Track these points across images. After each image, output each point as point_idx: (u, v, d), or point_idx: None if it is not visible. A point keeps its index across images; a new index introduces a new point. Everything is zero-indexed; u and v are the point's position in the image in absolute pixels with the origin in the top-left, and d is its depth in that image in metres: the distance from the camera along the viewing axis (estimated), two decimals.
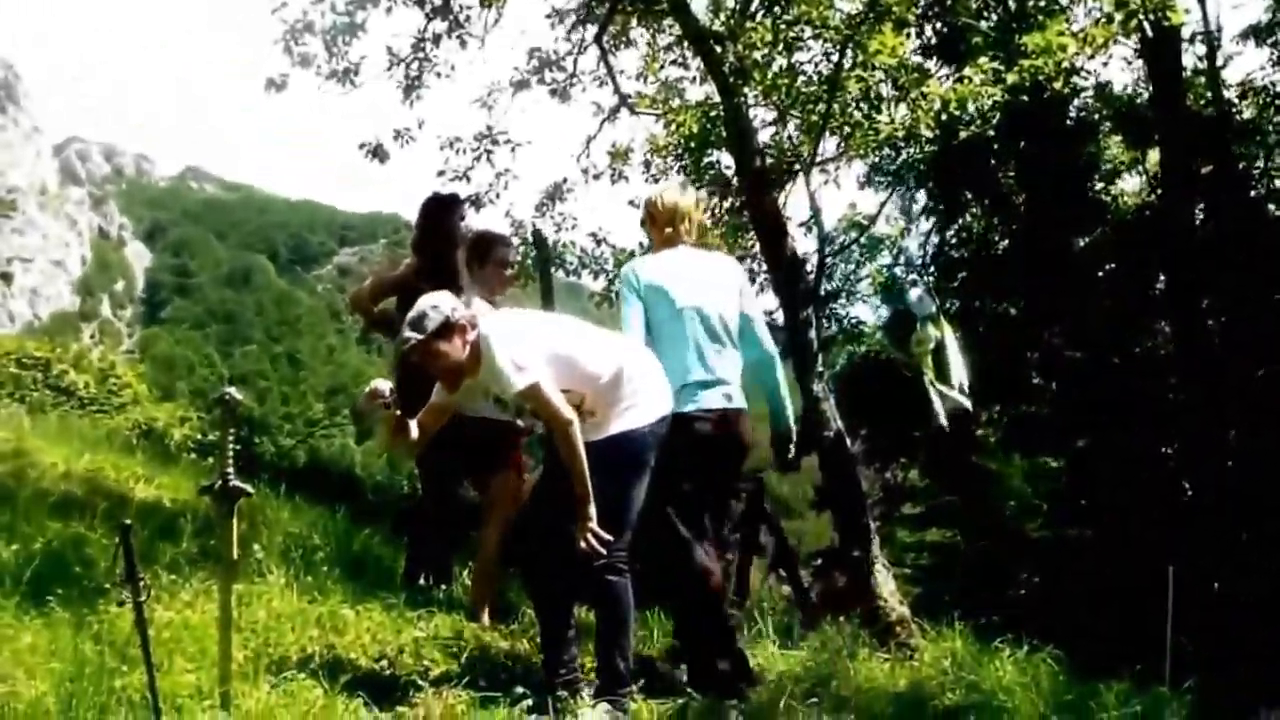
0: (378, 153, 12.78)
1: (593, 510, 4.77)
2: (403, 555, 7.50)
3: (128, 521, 4.08)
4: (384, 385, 4.96)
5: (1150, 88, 15.90)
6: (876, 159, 14.82)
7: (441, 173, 13.30)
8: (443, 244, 7.11)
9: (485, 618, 6.45)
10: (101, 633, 4.78)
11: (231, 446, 4.42)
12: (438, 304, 4.93)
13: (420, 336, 4.84)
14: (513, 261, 7.43)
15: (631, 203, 13.95)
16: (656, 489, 5.15)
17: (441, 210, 7.29)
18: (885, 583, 7.25)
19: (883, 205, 17.84)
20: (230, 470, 4.38)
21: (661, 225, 5.90)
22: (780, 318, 9.67)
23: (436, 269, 6.84)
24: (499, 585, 6.97)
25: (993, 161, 16.52)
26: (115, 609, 4.96)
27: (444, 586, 7.11)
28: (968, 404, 7.68)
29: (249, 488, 4.47)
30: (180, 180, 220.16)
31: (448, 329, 4.89)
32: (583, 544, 4.75)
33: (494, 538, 6.64)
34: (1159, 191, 16.06)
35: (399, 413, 4.96)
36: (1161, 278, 15.79)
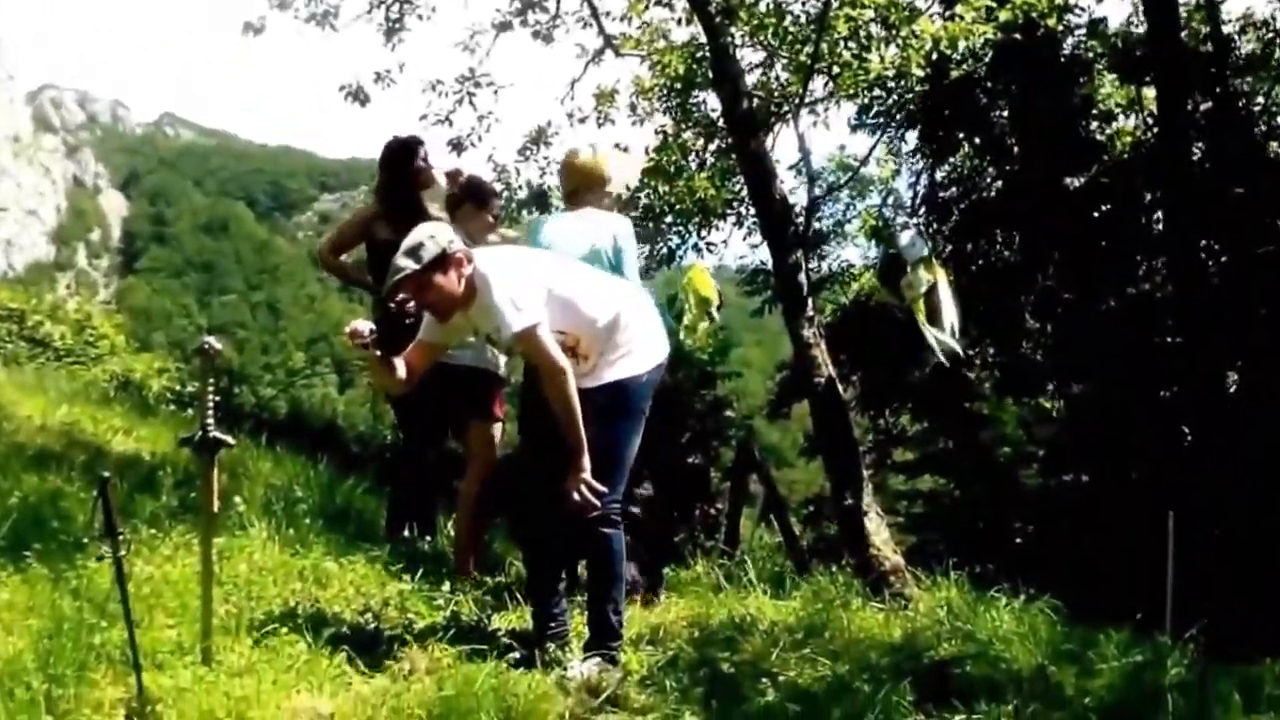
0: (358, 95, 12.75)
1: (586, 461, 4.71)
2: (386, 507, 7.48)
3: (106, 474, 4.06)
4: (364, 325, 4.78)
5: (1146, 23, 15.78)
6: (866, 100, 14.45)
7: (424, 116, 13.39)
8: (403, 187, 7.09)
9: (471, 569, 6.47)
10: (80, 588, 4.76)
11: (211, 397, 4.41)
12: (435, 234, 4.83)
13: (415, 266, 4.70)
14: (499, 216, 7.41)
15: (618, 145, 13.59)
16: None
17: (403, 153, 7.24)
18: (878, 531, 7.31)
19: (873, 147, 17.97)
20: (210, 421, 4.36)
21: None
22: (769, 261, 9.67)
23: (398, 212, 6.81)
24: (483, 535, 7.01)
25: (984, 101, 16.46)
26: (94, 564, 4.95)
27: (428, 538, 7.13)
28: (959, 348, 7.68)
29: (230, 439, 4.44)
30: (156, 127, 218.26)
31: (444, 261, 4.75)
32: (575, 496, 4.70)
33: (474, 488, 6.68)
34: (1155, 130, 15.98)
35: (380, 353, 4.80)
36: (1159, 218, 15.74)
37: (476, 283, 4.80)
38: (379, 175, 7.31)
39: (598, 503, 4.76)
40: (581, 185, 6.18)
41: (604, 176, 6.24)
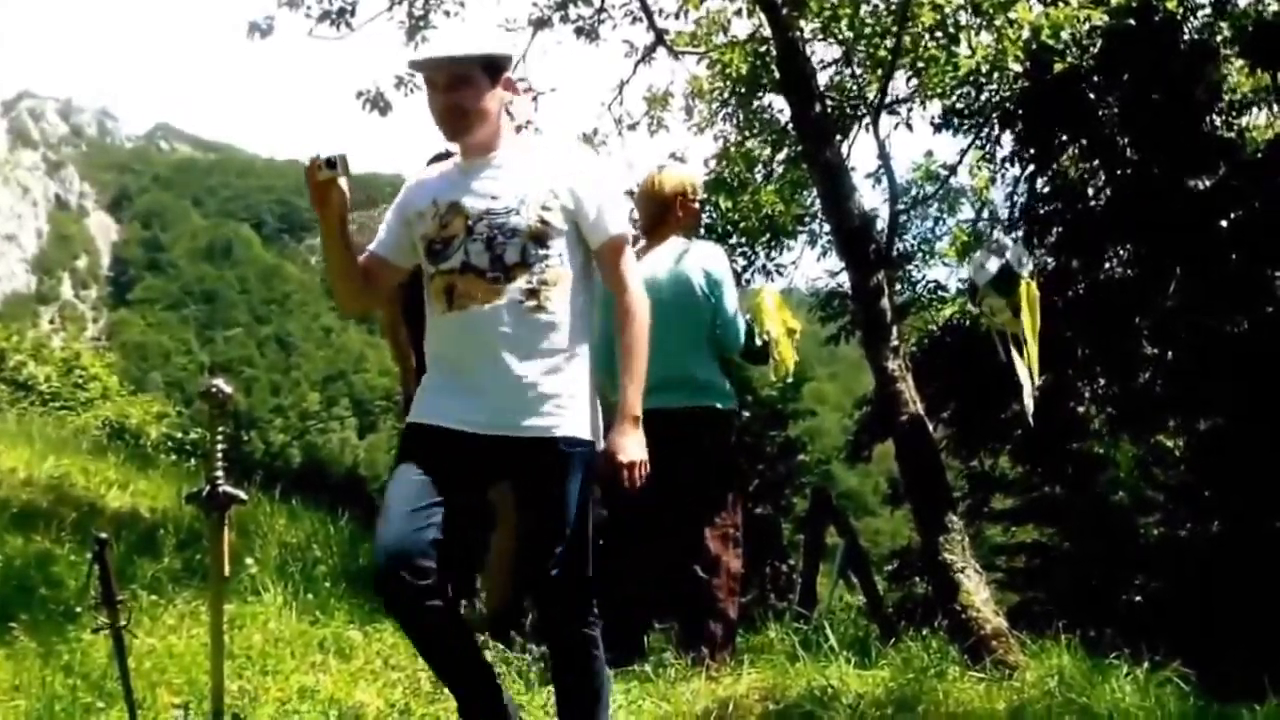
0: (378, 103, 12.81)
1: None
2: None
3: (102, 534, 4.10)
4: (328, 153, 4.06)
5: None
6: (955, 99, 14.51)
7: None
8: None
9: (512, 635, 6.47)
10: (74, 663, 4.81)
11: (220, 446, 4.39)
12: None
13: (469, 56, 4.12)
14: None
15: (674, 155, 13.94)
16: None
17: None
18: (976, 589, 7.20)
19: (964, 153, 17.48)
20: (219, 473, 4.35)
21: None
22: (846, 284, 9.61)
23: None
24: (523, 598, 6.80)
25: (1092, 97, 16.34)
26: (89, 636, 4.98)
27: (464, 602, 6.96)
28: (1030, 406, 7.50)
29: (242, 494, 4.43)
30: (148, 140, 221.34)
31: (500, 68, 4.20)
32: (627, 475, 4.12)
33: (509, 543, 6.42)
34: None
35: (345, 186, 4.08)
36: None
37: (571, 154, 4.35)
38: None
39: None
40: (664, 211, 6.38)
41: (690, 198, 6.47)
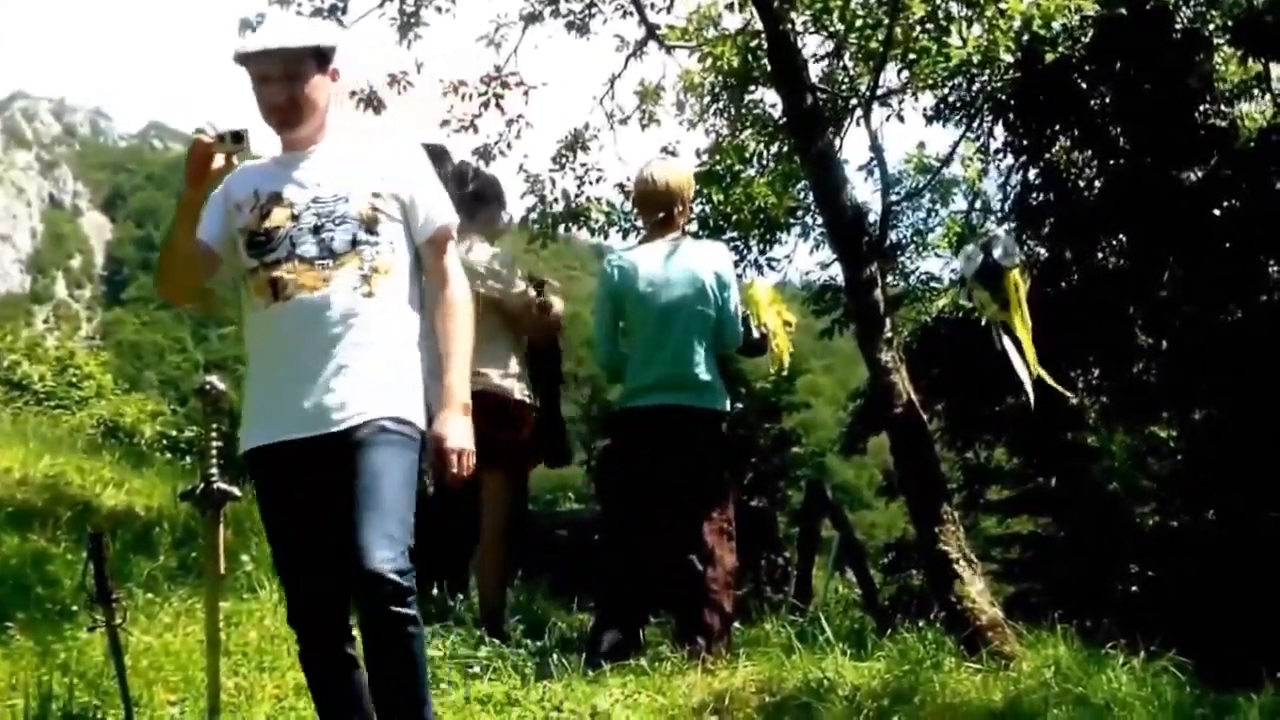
0: (371, 101, 12.74)
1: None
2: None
3: (98, 532, 4.09)
4: (233, 126, 3.86)
5: None
6: (947, 90, 14.54)
7: (446, 122, 13.35)
8: None
9: (507, 629, 6.54)
10: (70, 662, 4.80)
11: (214, 444, 4.42)
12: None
13: (303, 47, 4.04)
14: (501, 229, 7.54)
15: (666, 149, 13.97)
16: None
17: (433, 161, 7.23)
18: (971, 580, 7.13)
19: (955, 145, 17.18)
20: (214, 471, 4.38)
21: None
22: (839, 277, 9.57)
23: None
24: (505, 589, 7.05)
25: (1084, 87, 16.19)
26: (85, 634, 4.97)
27: (460, 597, 7.12)
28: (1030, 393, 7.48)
29: (236, 491, 4.44)
30: (142, 139, 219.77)
31: (328, 57, 4.11)
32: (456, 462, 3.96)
33: (494, 552, 6.74)
34: None
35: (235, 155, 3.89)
36: None
37: (397, 145, 4.31)
38: None
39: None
40: (670, 207, 6.43)
41: (690, 195, 6.58)
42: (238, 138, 3.80)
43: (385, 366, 3.96)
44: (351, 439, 3.86)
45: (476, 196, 7.14)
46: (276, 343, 3.99)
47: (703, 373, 6.21)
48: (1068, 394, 8.29)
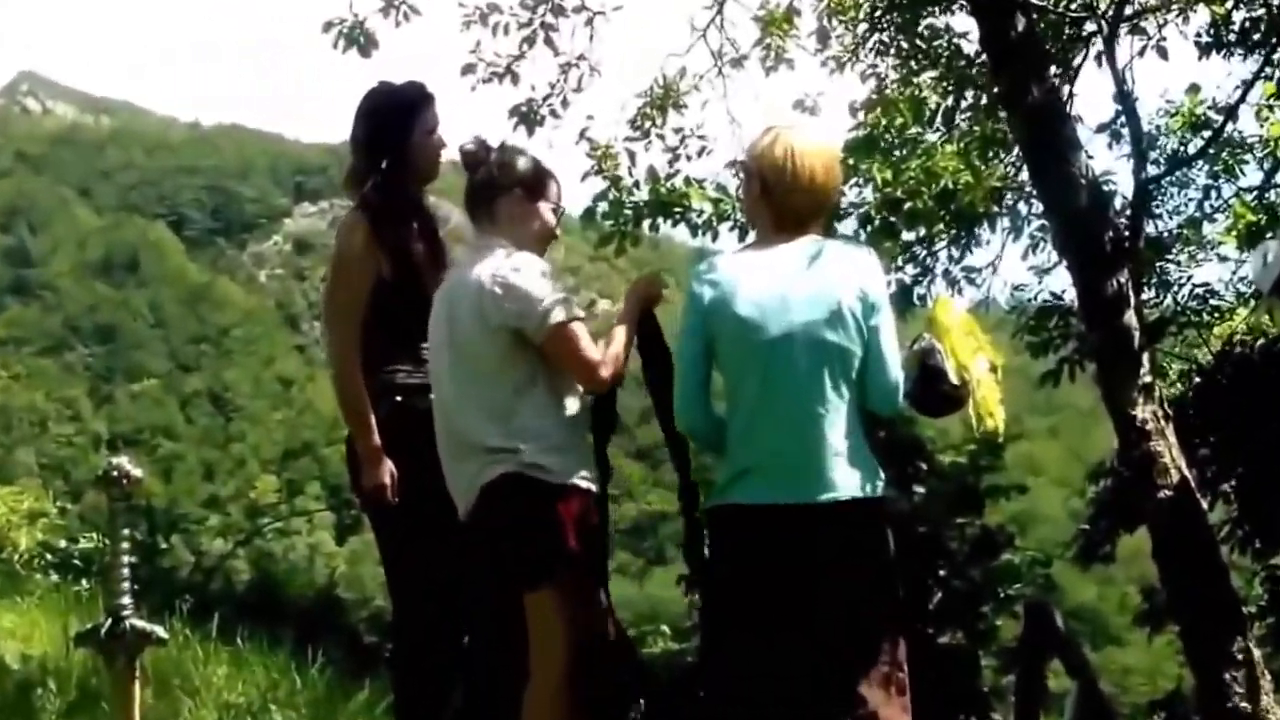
0: (356, 38, 10.93)
1: None
2: None
3: None
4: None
5: None
6: (1231, 3, 11.94)
7: (469, 68, 11.29)
8: (398, 170, 5.60)
9: None
10: None
11: (125, 559, 4.21)
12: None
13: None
14: (561, 210, 5.83)
15: (801, 105, 12.37)
16: None
17: (400, 108, 5.73)
18: None
19: (1247, 86, 13.75)
20: (125, 600, 4.18)
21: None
22: (1069, 292, 10.04)
23: (387, 215, 5.39)
24: None
25: None
26: None
27: None
28: None
29: (159, 629, 4.30)
30: (8, 97, 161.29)
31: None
32: None
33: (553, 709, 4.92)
34: None
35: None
36: None
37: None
38: (353, 152, 5.81)
39: None
40: (811, 208, 4.62)
41: (839, 182, 5.04)
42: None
43: None
44: None
45: (487, 184, 5.54)
46: None
47: (840, 445, 4.41)
48: None
